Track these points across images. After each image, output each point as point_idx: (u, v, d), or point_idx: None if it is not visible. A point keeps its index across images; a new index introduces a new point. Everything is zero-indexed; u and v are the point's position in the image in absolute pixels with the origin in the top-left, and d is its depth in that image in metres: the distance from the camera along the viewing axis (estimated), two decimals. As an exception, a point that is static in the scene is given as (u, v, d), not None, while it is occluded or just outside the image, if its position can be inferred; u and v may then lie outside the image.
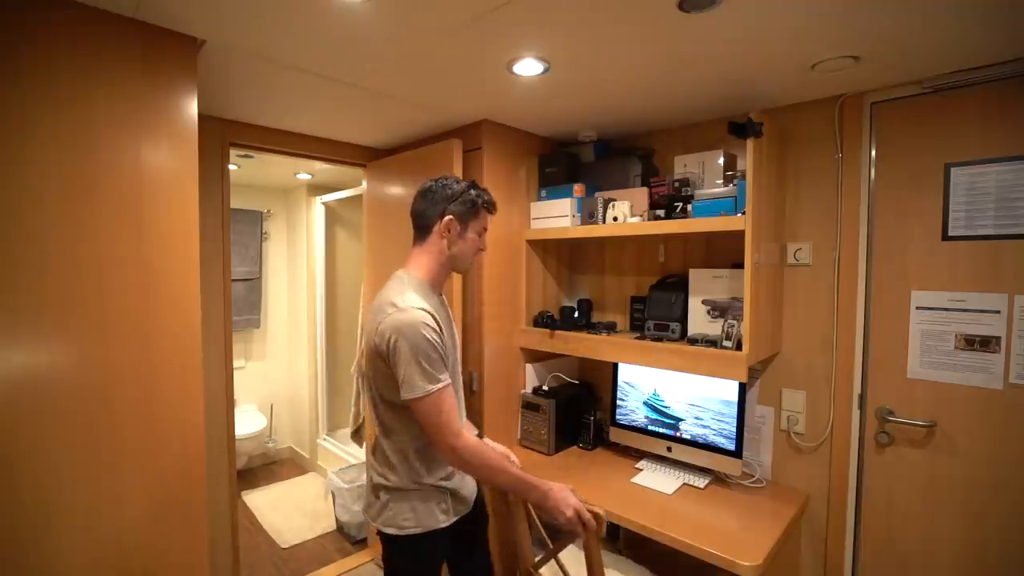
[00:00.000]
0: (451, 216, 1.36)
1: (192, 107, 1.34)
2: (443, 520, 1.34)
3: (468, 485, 1.44)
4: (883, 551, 1.69)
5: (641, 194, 1.94)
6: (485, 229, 1.44)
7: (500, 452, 1.52)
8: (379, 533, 1.35)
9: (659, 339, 1.87)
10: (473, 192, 1.39)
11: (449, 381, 1.26)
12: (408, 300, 1.27)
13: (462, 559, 1.52)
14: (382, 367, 1.27)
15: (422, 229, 1.39)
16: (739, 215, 1.61)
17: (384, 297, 1.31)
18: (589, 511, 1.26)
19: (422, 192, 1.39)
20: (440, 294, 1.43)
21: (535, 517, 1.55)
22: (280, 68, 1.55)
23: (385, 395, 1.31)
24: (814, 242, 1.80)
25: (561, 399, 2.18)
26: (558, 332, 2.11)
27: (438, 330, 1.26)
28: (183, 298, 1.33)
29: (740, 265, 1.58)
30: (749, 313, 1.56)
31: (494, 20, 1.24)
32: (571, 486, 1.31)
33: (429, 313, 1.25)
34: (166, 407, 1.31)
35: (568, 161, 2.18)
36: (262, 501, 3.41)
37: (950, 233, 1.56)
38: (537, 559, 1.58)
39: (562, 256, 2.42)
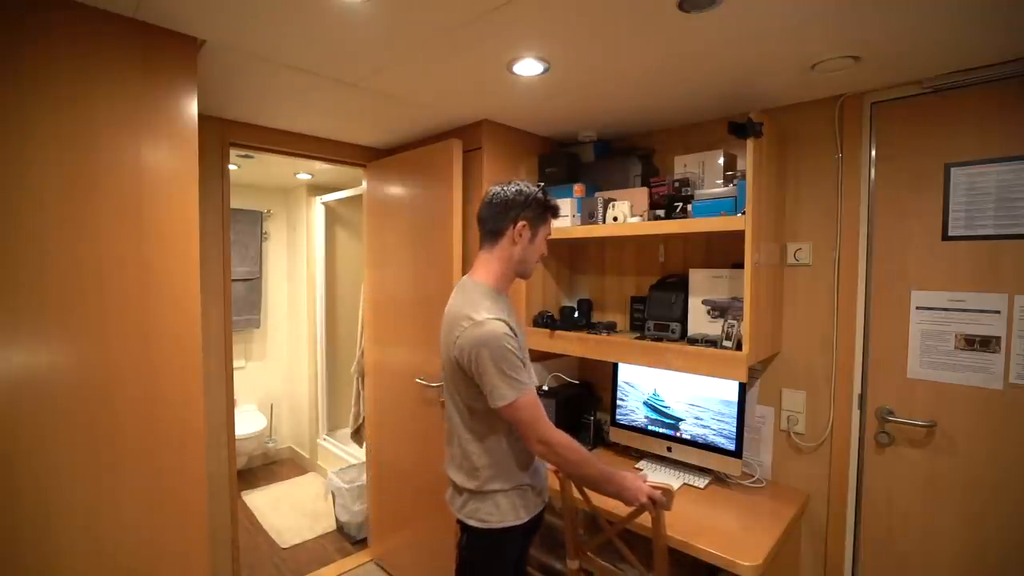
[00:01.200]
0: (524, 222, 1.37)
1: (192, 107, 1.35)
2: (524, 516, 1.38)
3: (543, 481, 1.49)
4: (883, 551, 1.69)
5: (641, 194, 1.94)
6: (550, 234, 1.47)
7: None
8: (459, 522, 1.41)
9: (659, 339, 1.87)
10: (543, 197, 1.40)
11: (532, 382, 1.31)
12: (482, 312, 1.28)
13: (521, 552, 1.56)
14: (465, 379, 1.31)
15: (493, 234, 1.39)
16: (739, 215, 1.61)
17: (458, 310, 1.33)
18: (659, 488, 1.35)
19: (492, 196, 1.39)
20: (507, 297, 1.44)
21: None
22: (280, 68, 1.55)
23: (473, 405, 1.34)
24: (814, 242, 1.80)
25: (561, 399, 2.18)
26: (558, 332, 2.11)
27: (514, 336, 1.29)
28: (183, 298, 1.33)
29: (740, 265, 1.58)
30: (749, 313, 1.56)
31: (494, 20, 1.24)
32: (642, 473, 1.37)
33: (504, 322, 1.28)
34: (166, 407, 1.31)
35: (568, 161, 2.18)
36: (262, 501, 3.41)
37: (950, 233, 1.56)
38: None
39: (562, 256, 2.42)
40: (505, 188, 1.39)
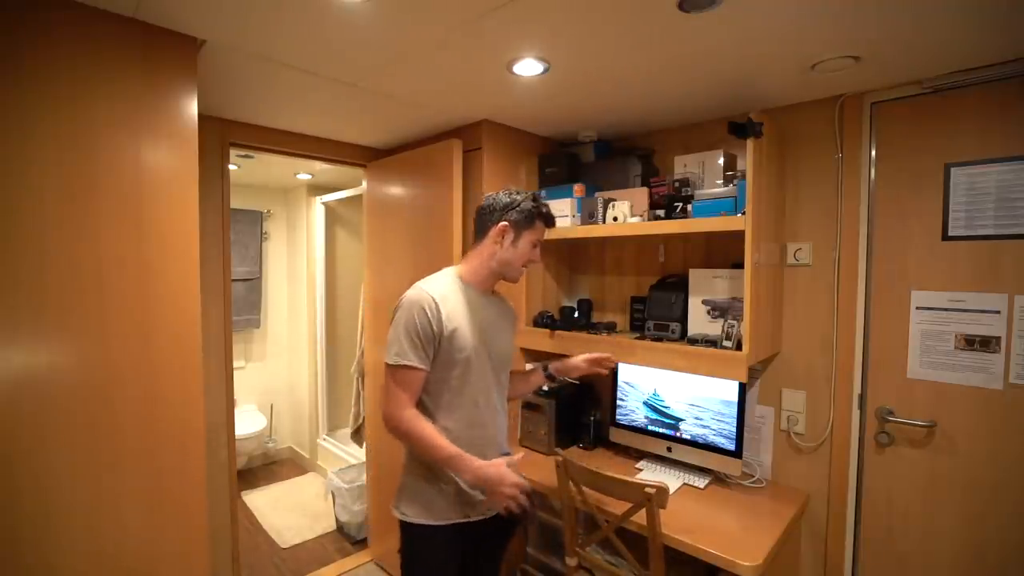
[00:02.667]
0: (506, 223, 1.41)
1: (192, 107, 1.35)
2: (439, 518, 1.36)
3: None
4: (883, 551, 1.69)
5: (641, 194, 1.94)
6: (540, 242, 1.48)
7: (429, 432, 1.33)
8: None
9: (659, 339, 1.87)
10: (532, 204, 1.43)
11: (415, 364, 1.31)
12: (424, 282, 1.39)
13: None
14: None
15: (479, 231, 1.46)
16: (739, 215, 1.61)
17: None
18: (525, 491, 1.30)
19: (485, 199, 1.47)
20: (482, 292, 1.47)
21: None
22: (280, 68, 1.55)
23: None
24: (814, 242, 1.80)
25: (561, 399, 2.18)
26: (558, 332, 2.11)
27: (435, 314, 1.32)
28: (183, 298, 1.33)
29: (740, 265, 1.58)
30: (749, 313, 1.56)
31: (494, 20, 1.24)
32: (517, 458, 1.33)
33: (431, 297, 1.33)
34: (166, 407, 1.31)
35: (568, 161, 2.18)
36: (262, 501, 3.41)
37: (950, 233, 1.56)
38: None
39: (562, 256, 2.42)
40: (499, 193, 1.46)
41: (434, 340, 1.33)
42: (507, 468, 1.30)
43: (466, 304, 1.40)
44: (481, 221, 1.46)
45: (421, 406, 1.37)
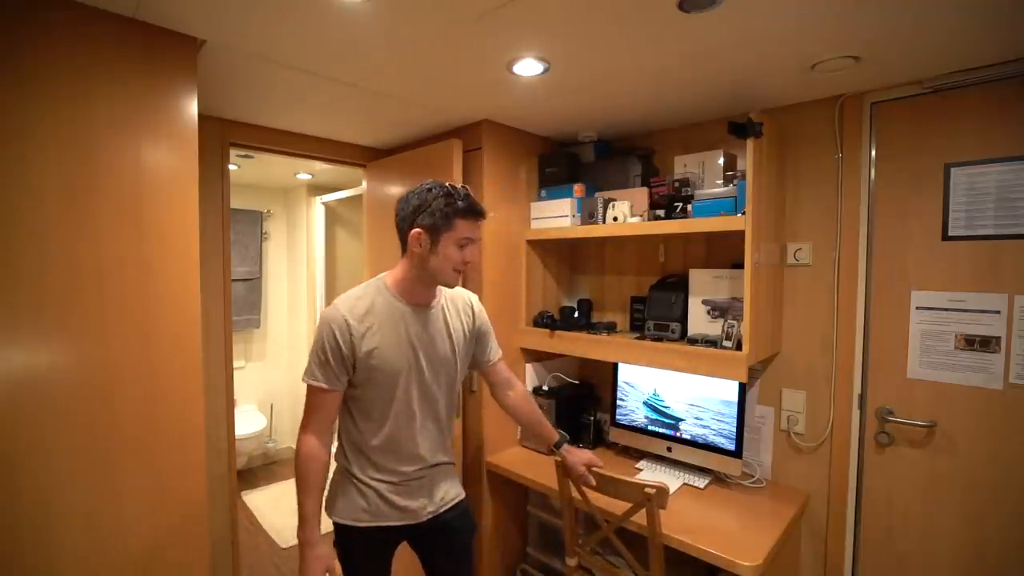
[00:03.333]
0: (419, 230, 1.27)
1: (192, 107, 1.34)
2: (351, 518, 1.36)
3: (414, 493, 1.39)
4: (883, 551, 1.69)
5: (641, 194, 1.94)
6: (469, 239, 1.29)
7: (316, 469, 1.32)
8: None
9: (659, 339, 1.87)
10: (442, 202, 1.25)
11: (322, 385, 1.28)
12: (344, 298, 1.32)
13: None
14: None
15: (401, 240, 1.33)
16: (739, 215, 1.61)
17: None
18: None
19: (399, 200, 1.32)
20: (416, 304, 1.36)
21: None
22: (280, 68, 1.55)
23: None
24: (814, 242, 1.80)
25: (561, 399, 2.18)
26: (558, 332, 2.11)
27: (343, 337, 1.26)
28: (183, 298, 1.33)
29: (740, 265, 1.58)
30: (749, 313, 1.56)
31: (494, 20, 1.24)
32: (329, 563, 1.32)
33: (343, 316, 1.27)
34: (166, 407, 1.31)
35: (568, 161, 2.18)
36: (262, 501, 3.41)
37: (950, 233, 1.56)
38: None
39: (562, 256, 2.42)
40: (409, 194, 1.30)
41: (345, 361, 1.28)
42: (324, 569, 1.30)
43: (390, 318, 1.31)
44: (398, 227, 1.32)
45: (349, 422, 1.37)
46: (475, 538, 1.60)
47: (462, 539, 1.50)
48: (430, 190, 1.28)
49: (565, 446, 1.59)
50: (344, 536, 1.39)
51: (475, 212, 1.30)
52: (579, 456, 1.56)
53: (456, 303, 1.48)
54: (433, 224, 1.27)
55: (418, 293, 1.36)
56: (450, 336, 1.42)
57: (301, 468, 1.29)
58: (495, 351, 1.59)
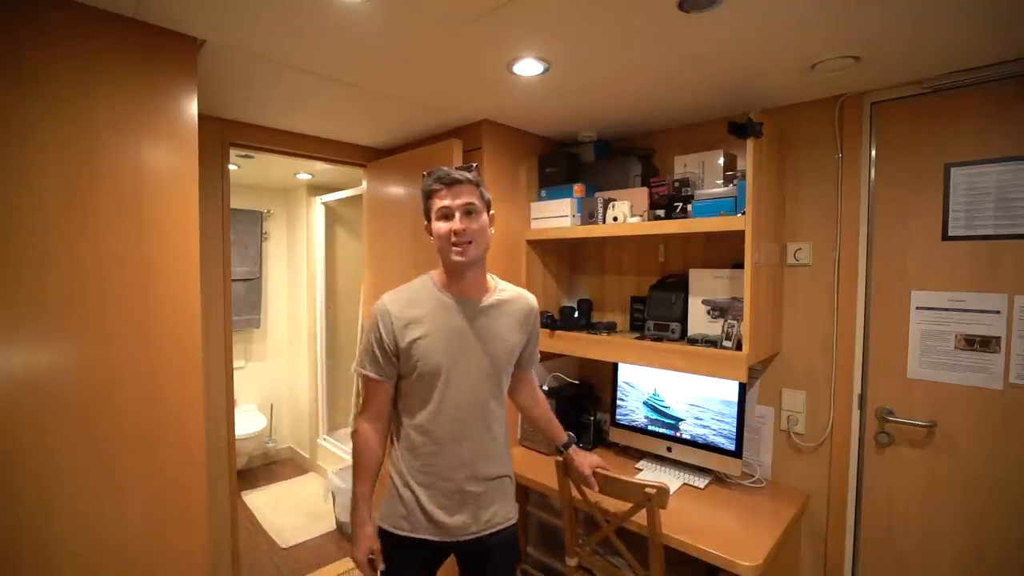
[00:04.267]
0: (425, 220, 1.32)
1: (192, 107, 1.34)
2: (390, 524, 1.31)
3: (456, 508, 1.30)
4: (883, 551, 1.69)
5: (641, 194, 1.94)
6: (447, 208, 1.25)
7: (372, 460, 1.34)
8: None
9: (659, 339, 1.87)
10: (423, 184, 1.30)
11: (371, 375, 1.29)
12: (391, 292, 1.33)
13: None
14: None
15: None
16: (739, 215, 1.61)
17: None
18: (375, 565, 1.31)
19: None
20: (463, 297, 1.32)
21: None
22: (280, 68, 1.55)
23: None
24: (814, 242, 1.80)
25: (561, 399, 2.18)
26: (558, 332, 2.11)
27: (386, 327, 1.27)
28: (183, 298, 1.33)
29: (740, 265, 1.58)
30: (749, 313, 1.56)
31: (494, 20, 1.24)
32: (373, 545, 1.31)
33: (389, 310, 1.28)
34: (166, 407, 1.31)
35: (568, 161, 2.18)
36: (262, 501, 3.41)
37: (950, 233, 1.56)
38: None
39: (562, 256, 2.42)
40: None
41: (392, 353, 1.27)
42: (368, 550, 1.29)
43: (436, 311, 1.29)
44: None
45: (396, 418, 1.36)
46: (516, 570, 1.46)
47: (502, 572, 1.38)
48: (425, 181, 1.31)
49: (573, 448, 1.58)
50: (385, 540, 1.33)
51: (442, 180, 1.26)
52: (586, 459, 1.56)
53: (515, 303, 1.39)
54: (424, 209, 1.31)
55: (458, 285, 1.32)
56: (503, 335, 1.34)
57: (355, 452, 1.32)
58: (535, 360, 1.53)
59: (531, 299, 1.44)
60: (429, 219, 1.30)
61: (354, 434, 1.33)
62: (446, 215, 1.25)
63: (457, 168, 1.28)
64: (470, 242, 1.25)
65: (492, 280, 1.40)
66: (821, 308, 1.79)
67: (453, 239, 1.24)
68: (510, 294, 1.40)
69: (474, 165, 1.29)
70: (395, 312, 1.28)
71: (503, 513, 1.35)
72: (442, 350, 1.27)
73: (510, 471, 1.41)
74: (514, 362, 1.41)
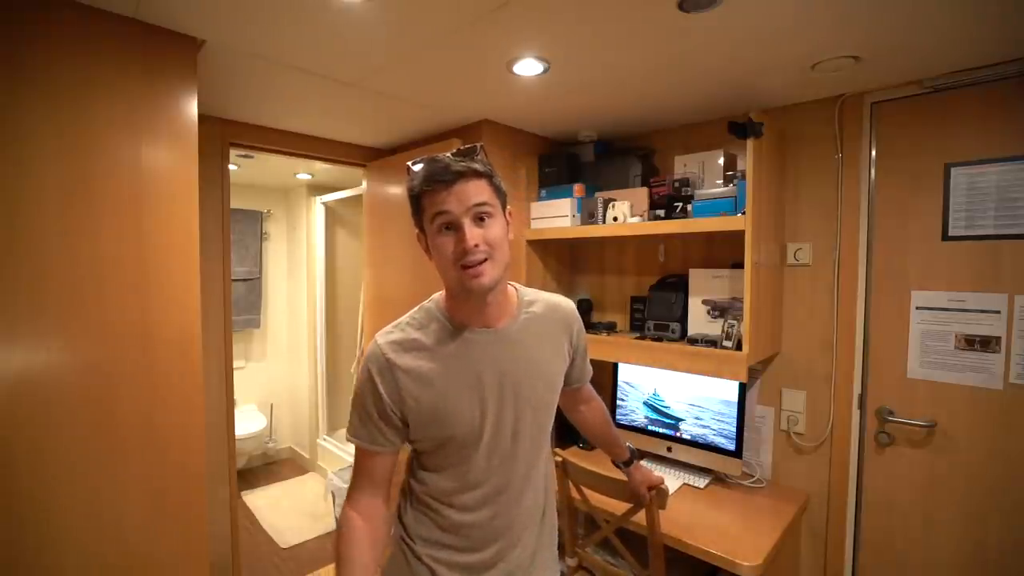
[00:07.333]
0: (417, 229, 0.95)
1: (192, 107, 1.34)
2: None
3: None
4: (883, 551, 1.69)
5: (641, 194, 1.94)
6: (445, 214, 0.88)
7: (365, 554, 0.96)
8: None
9: (659, 339, 1.87)
10: (408, 184, 0.92)
11: (364, 446, 0.96)
12: (390, 329, 0.99)
13: None
14: None
15: None
16: (739, 215, 1.61)
17: None
18: None
19: None
20: (482, 325, 0.97)
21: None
22: (280, 68, 1.55)
23: None
24: (814, 242, 1.80)
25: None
26: (558, 332, 2.11)
27: (386, 382, 0.93)
28: (183, 298, 1.33)
29: (740, 265, 1.58)
30: (749, 313, 1.56)
31: (494, 20, 1.24)
32: None
33: (382, 354, 0.94)
34: (166, 407, 1.31)
35: (568, 161, 2.18)
36: (262, 501, 3.41)
37: (950, 233, 1.56)
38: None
39: (562, 256, 2.42)
40: None
41: (391, 415, 0.94)
42: None
43: (449, 350, 0.95)
44: None
45: (410, 474, 1.04)
46: None
47: None
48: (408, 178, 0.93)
49: (635, 463, 1.41)
50: None
51: (438, 178, 0.87)
52: (646, 476, 1.41)
53: (549, 316, 1.06)
54: (414, 215, 0.94)
55: (471, 310, 0.96)
56: (541, 366, 1.03)
57: (336, 544, 0.97)
58: (587, 373, 1.23)
59: (567, 306, 1.12)
60: (423, 228, 0.93)
61: (341, 515, 0.98)
62: (448, 225, 0.88)
63: (456, 154, 0.90)
64: (487, 259, 0.88)
65: (515, 292, 1.05)
66: (821, 308, 1.79)
67: (464, 260, 0.88)
68: (540, 307, 1.06)
69: (479, 146, 0.92)
70: (396, 361, 0.93)
71: None
72: (465, 409, 0.94)
73: (554, 544, 1.12)
74: (559, 393, 1.10)
